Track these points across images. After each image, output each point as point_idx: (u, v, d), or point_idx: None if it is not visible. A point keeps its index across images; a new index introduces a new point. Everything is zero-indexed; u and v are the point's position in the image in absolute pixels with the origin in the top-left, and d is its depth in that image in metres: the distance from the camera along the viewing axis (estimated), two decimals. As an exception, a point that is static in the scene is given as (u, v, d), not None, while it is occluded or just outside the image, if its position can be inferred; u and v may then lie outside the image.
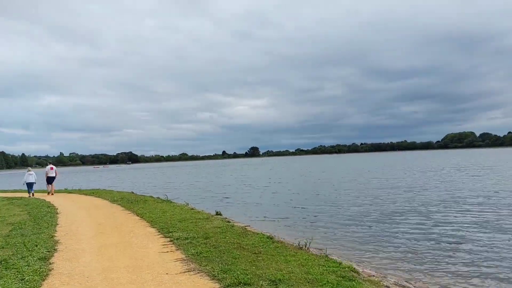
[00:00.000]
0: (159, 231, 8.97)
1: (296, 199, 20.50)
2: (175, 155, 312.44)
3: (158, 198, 17.94)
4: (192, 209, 13.65)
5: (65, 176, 74.05)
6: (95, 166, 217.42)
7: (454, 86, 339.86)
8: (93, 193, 21.07)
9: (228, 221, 10.55)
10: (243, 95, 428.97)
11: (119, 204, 15.06)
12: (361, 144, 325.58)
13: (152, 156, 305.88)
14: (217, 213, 12.45)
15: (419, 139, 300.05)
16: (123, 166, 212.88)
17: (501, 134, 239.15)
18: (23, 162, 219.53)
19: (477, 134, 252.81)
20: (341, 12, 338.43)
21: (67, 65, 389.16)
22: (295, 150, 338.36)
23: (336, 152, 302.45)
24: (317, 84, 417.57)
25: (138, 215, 11.83)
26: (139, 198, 17.48)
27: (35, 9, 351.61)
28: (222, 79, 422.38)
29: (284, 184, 30.91)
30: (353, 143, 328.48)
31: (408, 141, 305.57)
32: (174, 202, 15.98)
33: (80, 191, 23.48)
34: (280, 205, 18.53)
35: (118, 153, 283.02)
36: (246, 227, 9.49)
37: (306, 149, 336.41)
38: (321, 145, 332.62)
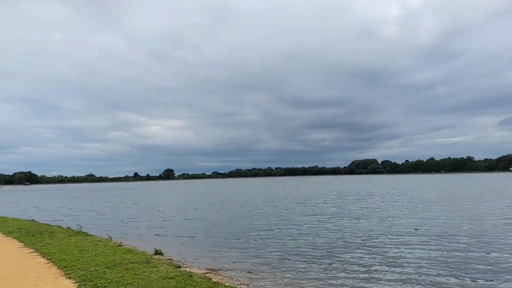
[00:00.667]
0: (81, 286, 6.21)
1: (221, 224, 18.56)
2: (80, 176, 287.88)
3: (68, 228, 14.47)
4: (120, 245, 10.75)
5: None
6: None
7: (359, 117, 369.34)
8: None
9: (179, 266, 8.04)
10: (158, 115, 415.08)
11: (15, 238, 11.54)
12: (276, 168, 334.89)
13: (55, 176, 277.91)
14: (157, 252, 9.78)
15: (328, 164, 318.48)
16: (20, 187, 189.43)
17: (399, 161, 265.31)
18: None
19: (379, 161, 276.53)
20: (258, 40, 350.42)
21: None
22: (212, 173, 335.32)
23: (252, 176, 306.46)
24: (235, 108, 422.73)
25: (44, 256, 8.76)
26: (43, 228, 13.95)
27: None
28: (136, 99, 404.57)
29: (203, 210, 28.54)
30: (268, 167, 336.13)
31: (319, 166, 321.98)
32: (91, 235, 12.79)
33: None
34: (211, 233, 16.31)
35: (15, 173, 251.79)
36: (209, 276, 7.09)
37: (223, 172, 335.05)
38: (238, 169, 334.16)
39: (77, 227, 14.73)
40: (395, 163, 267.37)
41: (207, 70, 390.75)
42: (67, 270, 7.35)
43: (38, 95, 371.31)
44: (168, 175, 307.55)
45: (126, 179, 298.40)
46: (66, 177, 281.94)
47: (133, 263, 7.84)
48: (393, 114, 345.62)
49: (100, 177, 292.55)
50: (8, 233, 12.57)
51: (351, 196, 39.41)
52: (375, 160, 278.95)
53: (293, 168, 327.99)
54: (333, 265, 10.06)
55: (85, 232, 13.37)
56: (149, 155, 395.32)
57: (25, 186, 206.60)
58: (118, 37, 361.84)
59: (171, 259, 9.19)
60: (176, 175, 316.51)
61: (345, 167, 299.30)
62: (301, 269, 9.62)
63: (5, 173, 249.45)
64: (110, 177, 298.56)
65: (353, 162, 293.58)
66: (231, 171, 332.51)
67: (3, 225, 14.72)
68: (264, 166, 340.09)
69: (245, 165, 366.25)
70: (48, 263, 8.16)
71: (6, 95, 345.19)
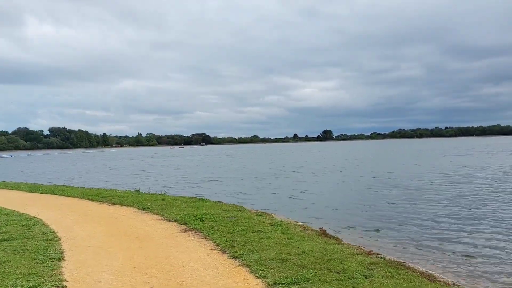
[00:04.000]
0: None
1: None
2: (246, 137, 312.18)
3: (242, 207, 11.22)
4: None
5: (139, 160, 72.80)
6: (171, 147, 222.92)
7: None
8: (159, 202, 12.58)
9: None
10: (311, 77, 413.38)
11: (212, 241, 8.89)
12: (446, 128, 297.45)
13: (225, 138, 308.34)
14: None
15: (504, 123, 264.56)
16: (197, 147, 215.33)
17: None
18: (104, 141, 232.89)
19: None
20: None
21: (138, 48, 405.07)
22: (371, 134, 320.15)
23: (417, 137, 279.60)
24: (391, 64, 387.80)
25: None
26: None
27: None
28: (289, 61, 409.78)
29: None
30: (436, 127, 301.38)
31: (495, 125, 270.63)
32: (274, 216, 9.63)
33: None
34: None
35: (192, 134, 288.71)
36: None
37: (383, 133, 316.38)
38: (400, 129, 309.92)
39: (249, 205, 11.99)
40: None
41: (361, 24, 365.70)
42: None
43: (202, 64, 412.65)
44: (326, 136, 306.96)
45: (286, 140, 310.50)
46: (235, 138, 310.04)
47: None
48: None
49: (264, 138, 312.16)
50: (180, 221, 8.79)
51: None
52: None
53: (468, 127, 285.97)
54: None
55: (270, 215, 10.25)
56: (305, 117, 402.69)
57: (201, 146, 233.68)
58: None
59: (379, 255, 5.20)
60: (334, 136, 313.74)
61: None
62: None
63: (184, 135, 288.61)
64: (272, 138, 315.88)
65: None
66: (392, 131, 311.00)
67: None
68: (426, 126, 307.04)
69: (404, 126, 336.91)
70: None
71: (178, 65, 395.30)
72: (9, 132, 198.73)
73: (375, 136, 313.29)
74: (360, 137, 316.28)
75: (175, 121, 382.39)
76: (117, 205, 11.51)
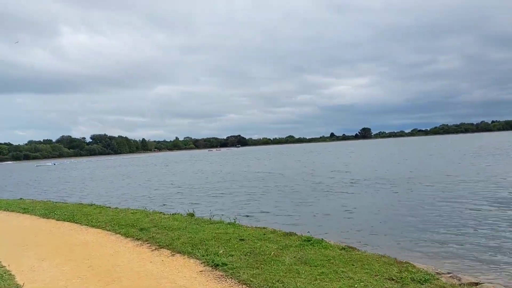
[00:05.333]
0: None
1: None
2: (281, 138, 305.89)
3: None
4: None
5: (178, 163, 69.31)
6: (209, 149, 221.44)
7: None
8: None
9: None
10: (344, 74, 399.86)
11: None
12: (493, 122, 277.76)
13: (260, 139, 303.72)
14: None
15: None
16: (233, 149, 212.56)
17: None
18: (143, 146, 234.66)
19: None
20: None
21: (169, 53, 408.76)
22: (412, 131, 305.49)
23: (462, 132, 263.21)
24: (428, 57, 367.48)
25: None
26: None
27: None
28: (320, 58, 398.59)
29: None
30: (482, 121, 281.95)
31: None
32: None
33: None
34: None
35: (228, 137, 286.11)
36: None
37: (424, 129, 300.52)
38: (443, 124, 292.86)
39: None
40: None
41: (395, 16, 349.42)
42: None
43: (232, 66, 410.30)
44: (364, 134, 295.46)
45: (322, 139, 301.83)
46: (269, 139, 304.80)
47: None
48: None
49: (299, 138, 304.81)
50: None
51: None
52: None
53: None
54: None
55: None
56: (339, 115, 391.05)
57: (237, 148, 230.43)
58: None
59: None
60: (372, 134, 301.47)
61: None
62: None
63: (220, 137, 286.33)
64: (307, 137, 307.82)
65: None
66: (434, 127, 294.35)
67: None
68: (469, 120, 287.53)
69: (445, 121, 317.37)
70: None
71: (209, 68, 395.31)
72: (53, 140, 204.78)
73: (416, 132, 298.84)
74: (401, 134, 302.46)
75: (209, 124, 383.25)
76: (164, 249, 7.00)
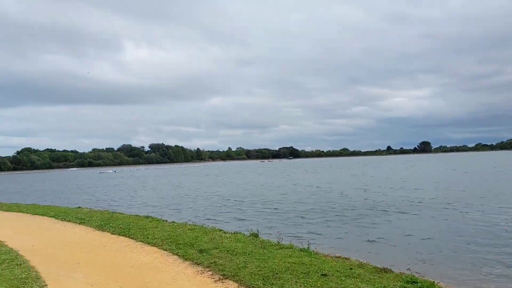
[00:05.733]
0: None
1: None
2: (335, 150, 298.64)
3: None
4: None
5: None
6: (261, 160, 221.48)
7: None
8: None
9: None
10: (400, 86, 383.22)
11: None
12: None
13: (313, 151, 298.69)
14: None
15: None
16: (285, 160, 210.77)
17: None
18: (198, 156, 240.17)
19: None
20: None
21: (224, 66, 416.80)
22: (475, 145, 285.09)
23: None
24: (494, 68, 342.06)
25: None
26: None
27: (189, 13, 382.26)
28: (376, 70, 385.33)
29: None
30: None
31: None
32: None
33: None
34: None
35: (280, 148, 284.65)
36: None
37: (489, 143, 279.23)
38: (511, 139, 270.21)
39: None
40: None
41: (456, 26, 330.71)
42: None
43: (286, 77, 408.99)
44: (424, 148, 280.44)
45: (378, 152, 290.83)
46: (323, 151, 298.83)
47: None
48: None
49: (354, 151, 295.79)
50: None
51: None
52: None
53: None
54: None
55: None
56: (396, 127, 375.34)
57: (289, 160, 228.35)
58: (352, 7, 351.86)
59: None
60: (432, 148, 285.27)
61: None
62: None
63: (272, 149, 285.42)
64: (362, 150, 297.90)
65: None
66: (501, 142, 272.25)
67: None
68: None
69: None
70: None
71: (262, 80, 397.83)
72: (115, 148, 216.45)
73: (480, 147, 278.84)
74: (463, 148, 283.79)
75: (261, 135, 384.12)
76: (229, 281, 5.91)
